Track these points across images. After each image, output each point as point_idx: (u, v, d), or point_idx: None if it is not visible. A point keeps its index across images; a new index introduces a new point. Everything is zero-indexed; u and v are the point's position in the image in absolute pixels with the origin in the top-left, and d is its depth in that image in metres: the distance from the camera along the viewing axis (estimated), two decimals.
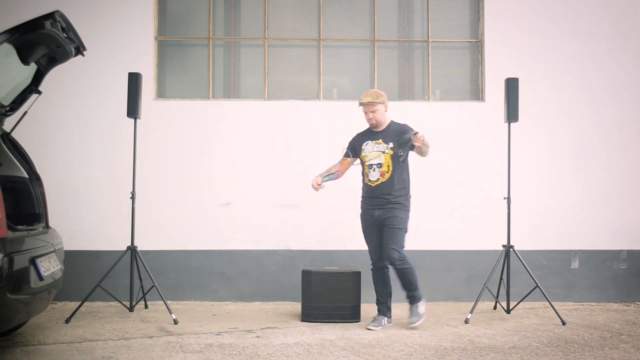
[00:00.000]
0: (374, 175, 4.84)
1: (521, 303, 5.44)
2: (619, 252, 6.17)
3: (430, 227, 6.08)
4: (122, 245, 5.45)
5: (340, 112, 6.14)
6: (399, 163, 4.81)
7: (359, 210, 6.10)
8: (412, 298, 4.88)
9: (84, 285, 5.60)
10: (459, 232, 6.09)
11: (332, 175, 5.00)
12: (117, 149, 5.94)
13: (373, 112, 4.85)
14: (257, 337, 4.53)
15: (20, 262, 3.63)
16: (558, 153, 6.18)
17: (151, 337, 4.50)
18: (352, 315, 5.06)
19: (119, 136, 5.92)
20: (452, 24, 6.39)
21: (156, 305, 5.64)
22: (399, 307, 5.80)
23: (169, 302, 5.30)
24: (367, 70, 6.35)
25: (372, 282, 6.01)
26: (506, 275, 5.35)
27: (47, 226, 4.50)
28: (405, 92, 6.44)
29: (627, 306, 5.96)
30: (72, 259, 5.09)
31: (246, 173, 6.06)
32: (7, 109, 4.35)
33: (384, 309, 4.99)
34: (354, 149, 5.03)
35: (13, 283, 3.53)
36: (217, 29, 6.34)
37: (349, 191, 6.07)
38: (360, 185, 6.35)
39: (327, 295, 5.04)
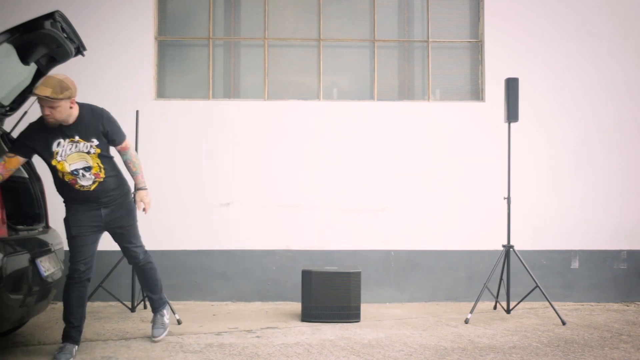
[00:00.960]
0: (87, 181, 3.92)
1: (521, 303, 5.44)
2: (619, 252, 6.17)
3: (430, 227, 6.08)
4: None
5: (340, 112, 6.14)
6: (109, 161, 4.07)
7: (359, 210, 6.12)
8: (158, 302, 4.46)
9: None
10: (459, 232, 6.08)
11: None
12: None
13: (52, 107, 3.71)
14: (257, 337, 4.53)
15: (20, 262, 3.63)
16: (558, 153, 6.18)
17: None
18: (352, 315, 5.05)
19: None
20: (452, 24, 6.39)
21: None
22: (399, 307, 5.81)
23: (169, 302, 5.30)
24: (367, 70, 6.35)
25: (370, 282, 6.02)
26: (506, 275, 5.35)
27: (47, 226, 4.50)
28: (405, 92, 6.44)
29: (627, 306, 5.96)
30: None
31: (246, 173, 6.05)
32: (7, 109, 4.35)
33: (75, 334, 4.01)
34: (30, 148, 3.87)
35: (13, 283, 3.53)
36: (217, 29, 6.34)
37: (349, 191, 6.09)
38: (360, 184, 6.36)
39: (327, 295, 5.03)
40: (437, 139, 6.15)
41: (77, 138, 3.87)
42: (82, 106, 3.94)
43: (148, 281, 4.41)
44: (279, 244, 6.03)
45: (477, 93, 6.35)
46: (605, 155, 6.20)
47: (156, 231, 5.92)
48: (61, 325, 4.82)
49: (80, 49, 4.50)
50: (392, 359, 3.95)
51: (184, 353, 4.04)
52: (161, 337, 4.35)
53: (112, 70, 5.98)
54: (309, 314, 5.07)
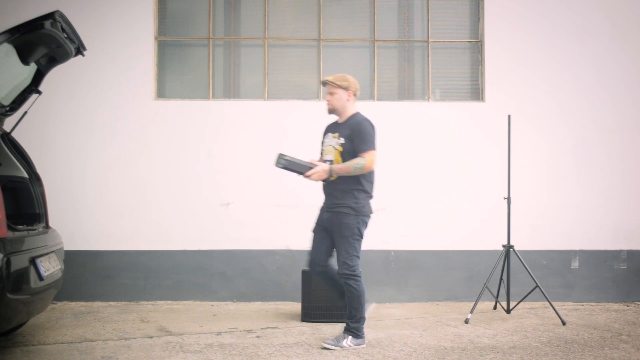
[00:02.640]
0: None
1: (521, 303, 5.44)
2: (619, 252, 6.17)
3: (430, 227, 6.08)
4: (122, 245, 5.45)
5: None
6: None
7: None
8: (347, 326, 4.23)
9: (84, 285, 5.61)
10: (459, 232, 6.08)
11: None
12: (117, 149, 5.94)
13: (331, 94, 4.27)
14: (257, 337, 4.53)
15: (20, 262, 3.63)
16: (558, 153, 6.18)
17: (151, 337, 4.50)
18: None
19: (119, 136, 5.92)
20: (452, 24, 6.39)
21: (156, 305, 5.64)
22: (399, 307, 5.81)
23: (169, 302, 5.30)
24: (367, 70, 6.35)
25: (370, 282, 6.01)
26: (506, 275, 5.35)
27: (47, 226, 4.50)
28: (405, 92, 6.44)
29: (627, 306, 5.96)
30: (72, 259, 5.09)
31: (246, 173, 6.05)
32: (7, 109, 4.35)
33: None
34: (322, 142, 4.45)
35: (13, 283, 3.53)
36: (217, 29, 6.34)
37: None
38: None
39: (327, 295, 5.02)
40: (437, 139, 6.15)
41: (337, 134, 4.26)
42: (357, 114, 4.30)
43: (345, 300, 4.25)
44: (279, 244, 6.03)
45: (477, 93, 6.35)
46: (605, 155, 6.20)
47: (156, 231, 5.92)
48: (61, 325, 4.84)
49: (80, 49, 4.50)
50: (392, 359, 3.95)
51: (184, 353, 4.04)
52: (325, 345, 4.13)
53: (112, 70, 5.98)
54: (309, 314, 5.07)
